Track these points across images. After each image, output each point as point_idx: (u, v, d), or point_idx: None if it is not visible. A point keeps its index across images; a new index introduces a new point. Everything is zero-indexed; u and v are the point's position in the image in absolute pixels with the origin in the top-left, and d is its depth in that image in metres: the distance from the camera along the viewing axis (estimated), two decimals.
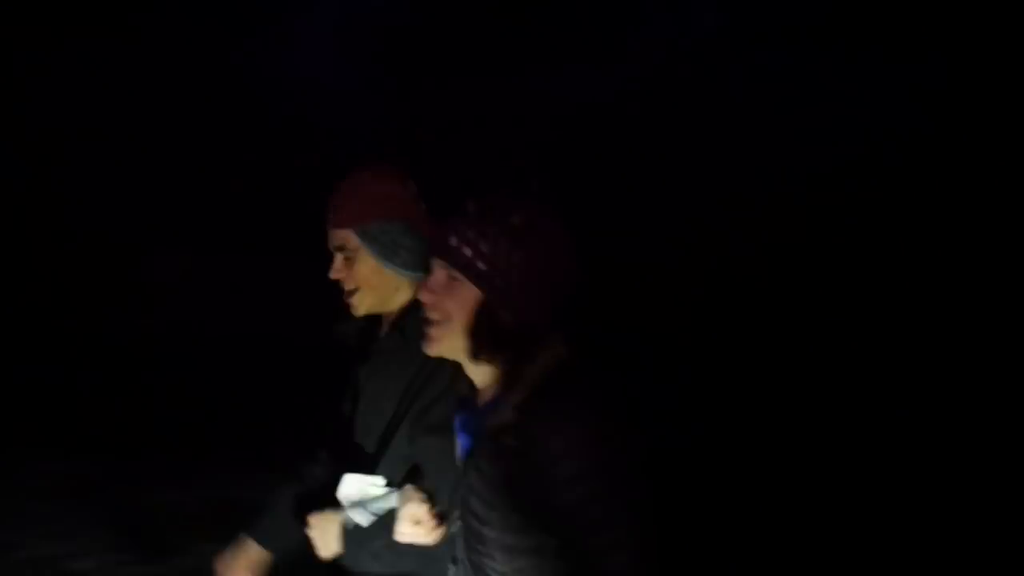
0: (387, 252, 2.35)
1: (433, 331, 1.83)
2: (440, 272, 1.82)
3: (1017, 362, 6.31)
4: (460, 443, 1.89)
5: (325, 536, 2.32)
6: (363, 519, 2.28)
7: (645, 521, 1.69)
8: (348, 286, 2.41)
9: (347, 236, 2.37)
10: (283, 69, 10.13)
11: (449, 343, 1.82)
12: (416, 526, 2.17)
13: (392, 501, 2.28)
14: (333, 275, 2.41)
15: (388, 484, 2.31)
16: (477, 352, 1.79)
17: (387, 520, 2.24)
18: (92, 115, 10.01)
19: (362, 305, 2.41)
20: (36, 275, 9.35)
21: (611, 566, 1.67)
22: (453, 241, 1.78)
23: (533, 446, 1.70)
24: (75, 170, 9.85)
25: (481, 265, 1.76)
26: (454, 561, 1.88)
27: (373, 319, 2.47)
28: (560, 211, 1.82)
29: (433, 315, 1.82)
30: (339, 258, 2.39)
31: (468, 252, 1.77)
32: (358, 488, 2.31)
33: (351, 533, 2.29)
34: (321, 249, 2.43)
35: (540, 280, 1.77)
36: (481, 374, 1.83)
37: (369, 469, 2.34)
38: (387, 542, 2.23)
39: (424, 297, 1.84)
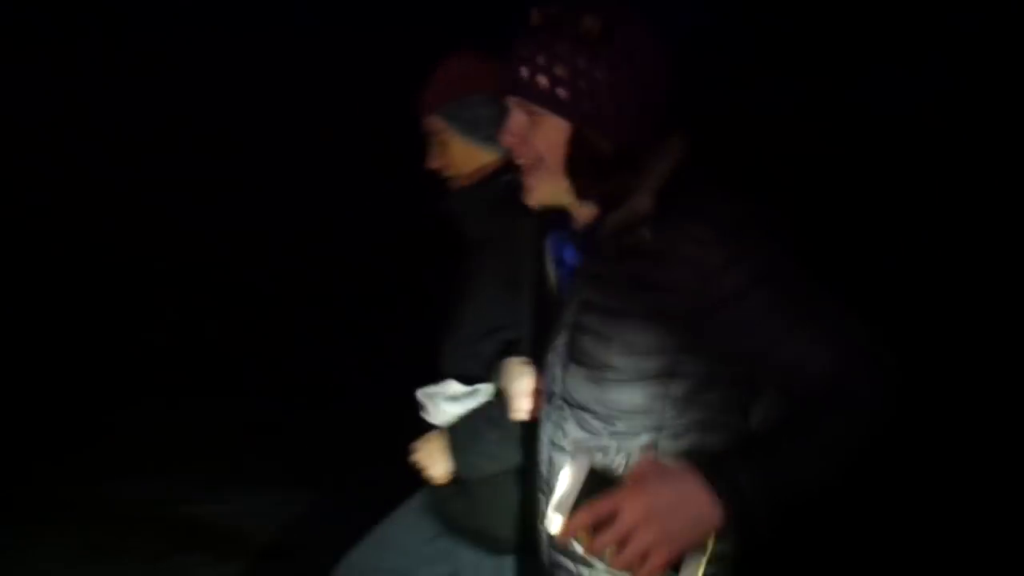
0: (470, 127, 2.27)
1: (528, 179, 1.62)
2: (518, 112, 1.59)
3: (1017, 363, 6.09)
4: (560, 269, 1.71)
5: (432, 457, 2.23)
6: (459, 410, 2.19)
7: (847, 310, 1.44)
8: (446, 172, 2.35)
9: (433, 121, 2.32)
10: None
11: (549, 187, 1.61)
12: (531, 397, 2.00)
13: (484, 393, 2.18)
14: (429, 164, 2.36)
15: (469, 381, 2.22)
16: (583, 189, 1.58)
17: (491, 414, 2.13)
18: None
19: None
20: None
21: (816, 367, 1.40)
22: (524, 72, 1.55)
23: (678, 240, 1.49)
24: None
25: (561, 92, 1.53)
26: (549, 399, 1.68)
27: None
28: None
29: (523, 161, 1.62)
30: (432, 146, 2.35)
31: (544, 81, 1.53)
32: (445, 391, 2.23)
33: (459, 443, 2.20)
34: None
35: (633, 94, 1.53)
36: (593, 210, 1.62)
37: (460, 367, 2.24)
38: (498, 436, 2.12)
39: (507, 142, 1.62)
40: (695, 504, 1.31)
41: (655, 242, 1.51)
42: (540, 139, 1.58)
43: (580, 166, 1.57)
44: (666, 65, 1.57)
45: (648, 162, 1.56)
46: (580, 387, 1.61)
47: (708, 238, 1.46)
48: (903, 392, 1.41)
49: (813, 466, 1.37)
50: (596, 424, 1.59)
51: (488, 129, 2.25)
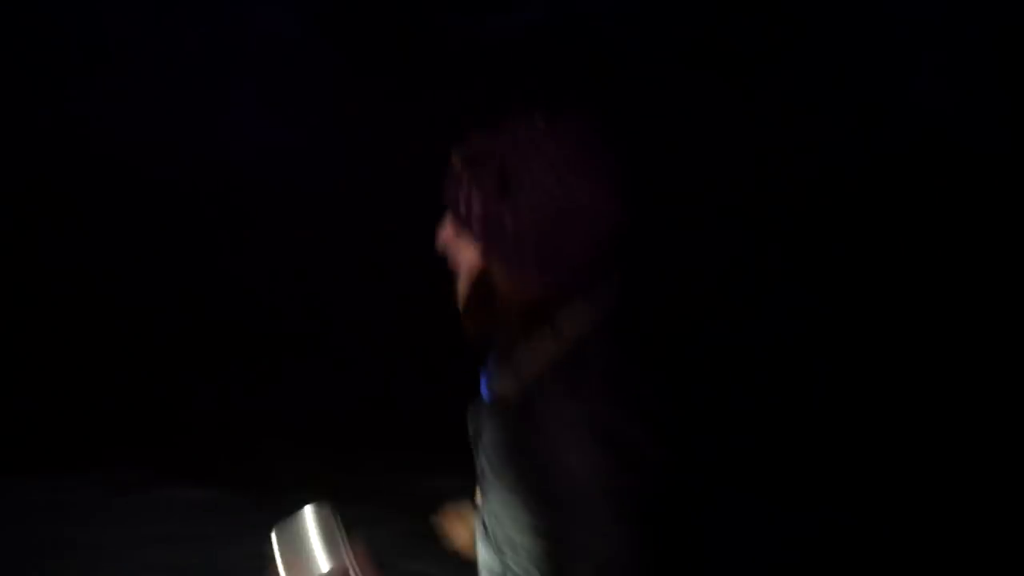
0: None
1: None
2: (449, 221, 1.53)
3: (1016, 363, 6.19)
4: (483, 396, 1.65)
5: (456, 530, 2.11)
6: None
7: (631, 539, 1.39)
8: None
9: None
10: None
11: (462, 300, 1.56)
12: None
13: None
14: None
15: None
16: (475, 325, 1.52)
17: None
18: None
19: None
20: None
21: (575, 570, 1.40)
22: (451, 189, 1.50)
23: (530, 422, 1.43)
24: None
25: (475, 226, 1.47)
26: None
27: None
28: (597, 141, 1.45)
29: (451, 267, 1.56)
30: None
31: (463, 209, 1.47)
32: None
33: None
34: None
35: (538, 246, 1.43)
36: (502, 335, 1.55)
37: None
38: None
39: (439, 245, 1.55)
40: None
41: (516, 420, 1.46)
42: (460, 256, 1.52)
43: (480, 293, 1.50)
44: (598, 201, 1.44)
45: (554, 320, 1.47)
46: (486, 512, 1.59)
47: (555, 436, 1.41)
48: None
49: None
50: (492, 546, 1.56)
51: None
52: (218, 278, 7.43)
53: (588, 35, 8.75)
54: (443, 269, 1.56)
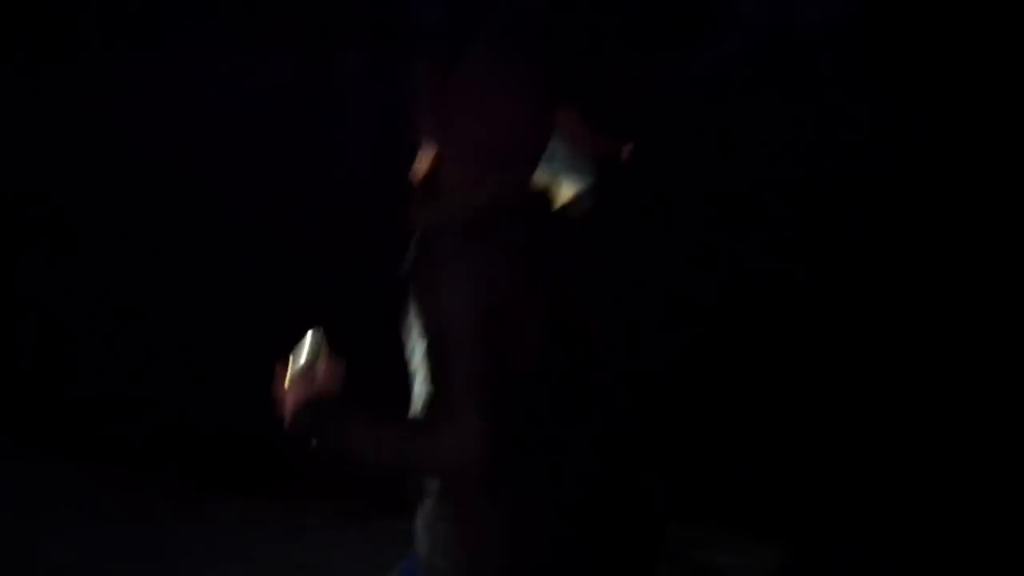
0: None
1: None
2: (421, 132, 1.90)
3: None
4: None
5: None
6: None
7: (481, 384, 1.60)
8: None
9: None
10: None
11: None
12: None
13: None
14: None
15: None
16: (425, 204, 1.81)
17: None
18: None
19: None
20: None
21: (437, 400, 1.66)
22: (418, 104, 1.86)
23: (417, 275, 1.70)
24: None
25: (431, 123, 1.84)
26: None
27: None
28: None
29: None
30: None
31: (425, 113, 1.85)
32: None
33: None
34: None
35: (478, 134, 1.76)
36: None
37: None
38: None
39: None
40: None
41: (420, 260, 1.72)
42: (422, 160, 1.88)
43: (427, 190, 1.83)
44: (511, 107, 1.77)
45: (465, 192, 1.75)
46: None
47: (433, 283, 1.67)
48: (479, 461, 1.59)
49: (366, 450, 1.73)
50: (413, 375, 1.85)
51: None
52: None
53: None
54: None
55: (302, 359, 1.89)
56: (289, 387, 1.86)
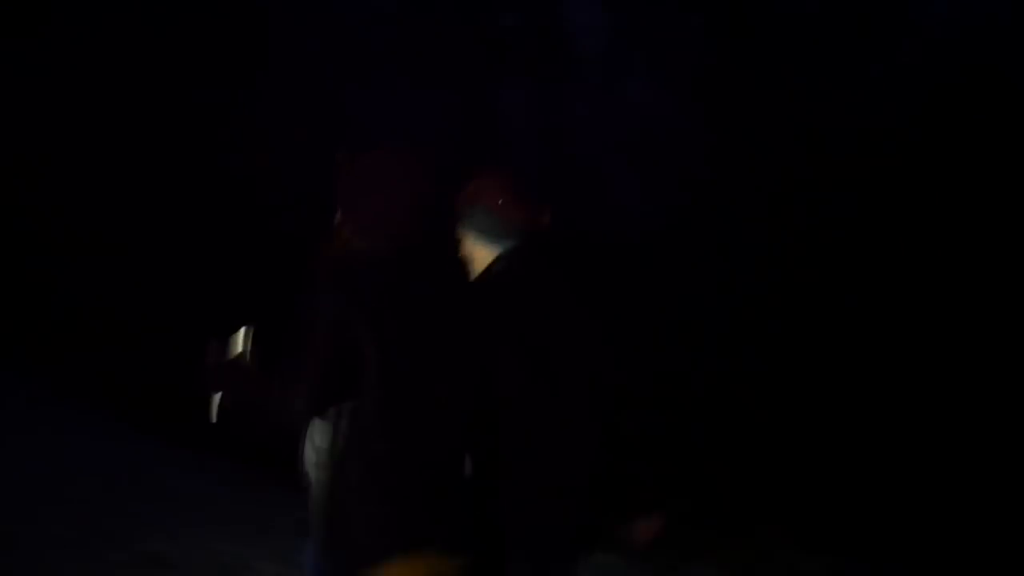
0: (478, 231, 2.80)
1: None
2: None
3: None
4: None
5: None
6: None
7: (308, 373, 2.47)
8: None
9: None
10: None
11: None
12: None
13: None
14: None
15: None
16: (331, 255, 2.61)
17: None
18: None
19: None
20: None
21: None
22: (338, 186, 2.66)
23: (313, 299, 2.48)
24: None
25: (341, 199, 2.62)
26: None
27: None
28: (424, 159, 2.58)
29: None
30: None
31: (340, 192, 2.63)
32: None
33: None
34: None
35: (371, 211, 2.55)
36: None
37: None
38: None
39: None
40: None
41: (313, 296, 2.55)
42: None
43: (332, 245, 2.62)
44: (394, 187, 2.56)
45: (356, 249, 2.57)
46: None
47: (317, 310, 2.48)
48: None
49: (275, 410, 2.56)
50: None
51: (490, 234, 2.77)
52: None
53: None
54: None
55: (237, 347, 2.57)
56: (219, 361, 2.59)
